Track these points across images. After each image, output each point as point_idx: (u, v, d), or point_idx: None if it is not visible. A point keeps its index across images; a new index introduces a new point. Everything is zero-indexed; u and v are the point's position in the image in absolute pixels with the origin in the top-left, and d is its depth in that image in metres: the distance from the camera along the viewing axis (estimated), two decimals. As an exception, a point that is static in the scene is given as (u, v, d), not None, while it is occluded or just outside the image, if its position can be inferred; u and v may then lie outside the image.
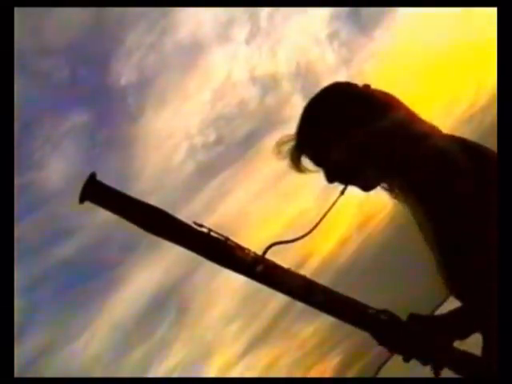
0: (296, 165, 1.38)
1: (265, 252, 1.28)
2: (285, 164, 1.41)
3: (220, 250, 1.25)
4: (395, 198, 1.38)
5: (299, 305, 1.31)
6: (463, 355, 1.27)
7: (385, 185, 1.38)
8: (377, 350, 1.34)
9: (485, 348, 1.26)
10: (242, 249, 1.27)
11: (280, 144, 1.39)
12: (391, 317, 1.28)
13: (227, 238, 1.26)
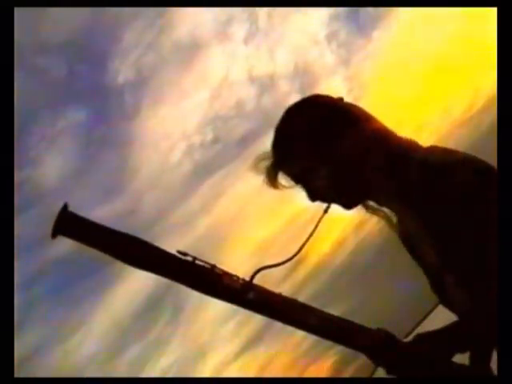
0: (272, 182, 1.35)
1: (252, 277, 1.22)
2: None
3: (207, 280, 1.19)
4: (373, 214, 1.35)
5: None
6: (462, 369, 1.20)
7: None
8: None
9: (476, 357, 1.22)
10: (229, 276, 1.21)
11: (258, 160, 1.35)
12: (387, 337, 1.22)
13: (213, 266, 1.20)
